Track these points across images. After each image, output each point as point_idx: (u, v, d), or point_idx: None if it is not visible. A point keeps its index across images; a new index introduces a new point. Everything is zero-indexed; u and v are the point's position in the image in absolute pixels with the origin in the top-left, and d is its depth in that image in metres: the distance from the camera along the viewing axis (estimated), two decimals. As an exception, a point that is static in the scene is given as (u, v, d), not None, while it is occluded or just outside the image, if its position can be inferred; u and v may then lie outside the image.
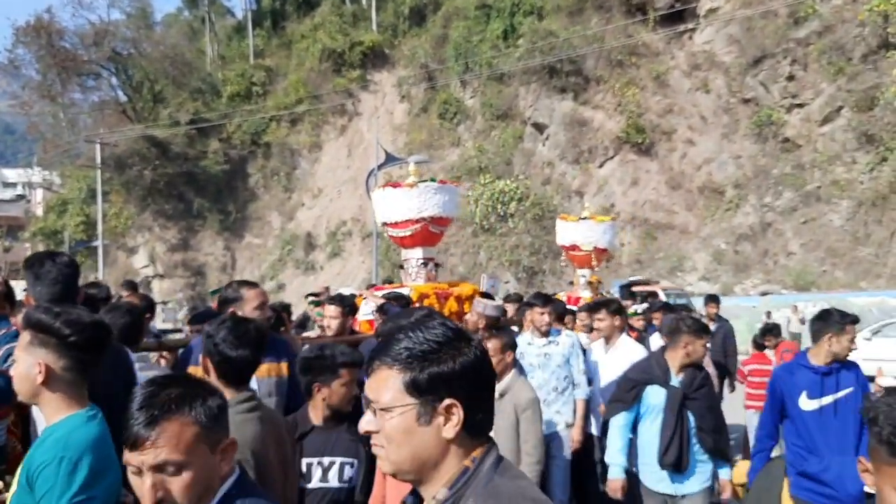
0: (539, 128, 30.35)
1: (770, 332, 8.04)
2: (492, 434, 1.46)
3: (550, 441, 5.08)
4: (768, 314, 20.43)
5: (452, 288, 5.45)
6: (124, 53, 41.50)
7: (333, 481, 2.92)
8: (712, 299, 8.94)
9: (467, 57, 33.36)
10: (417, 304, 4.97)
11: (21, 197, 61.73)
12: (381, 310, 5.06)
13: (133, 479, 1.58)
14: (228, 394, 2.47)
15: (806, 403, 3.90)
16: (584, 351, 5.71)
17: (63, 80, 40.68)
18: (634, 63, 29.69)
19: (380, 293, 5.31)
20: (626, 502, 4.31)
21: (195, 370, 3.48)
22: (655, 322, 7.42)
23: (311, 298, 8.75)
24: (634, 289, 20.67)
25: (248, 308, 3.63)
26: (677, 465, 4.06)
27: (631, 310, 8.28)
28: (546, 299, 5.49)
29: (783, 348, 7.85)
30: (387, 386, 1.34)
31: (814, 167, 25.26)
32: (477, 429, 1.36)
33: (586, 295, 7.57)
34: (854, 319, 3.99)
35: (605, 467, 4.46)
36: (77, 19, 40.43)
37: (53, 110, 42.71)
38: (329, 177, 36.96)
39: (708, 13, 29.68)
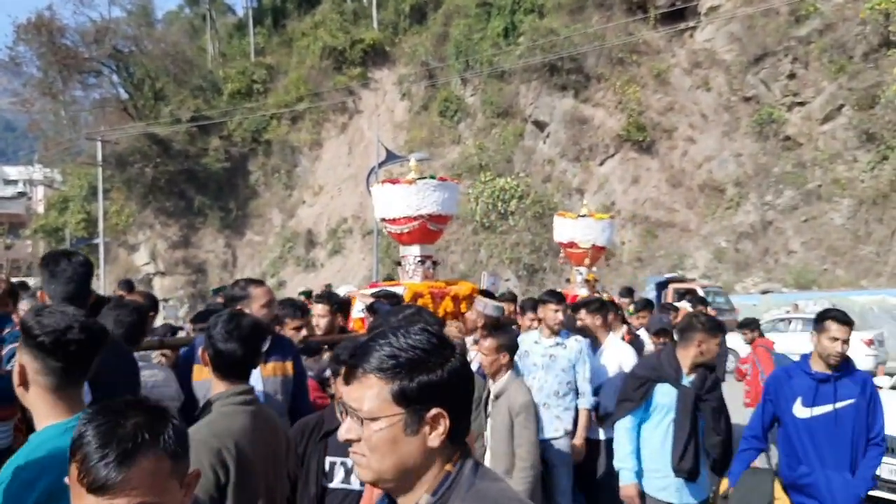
0: (540, 125, 30.34)
1: (747, 325, 7.84)
2: (487, 435, 1.46)
3: (549, 448, 4.98)
4: (795, 307, 20.34)
5: (450, 287, 5.42)
6: (125, 51, 41.50)
7: (355, 484, 2.86)
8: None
9: (468, 55, 33.34)
10: (410, 303, 4.95)
11: (22, 194, 61.81)
12: (370, 308, 4.98)
13: None
14: (223, 387, 2.52)
15: (800, 410, 3.73)
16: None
17: (64, 78, 40.66)
18: (635, 61, 29.66)
19: (370, 291, 5.30)
20: None
21: (199, 369, 3.50)
22: (640, 322, 7.39)
23: (301, 297, 8.69)
24: (671, 286, 20.41)
25: (255, 306, 3.64)
26: (693, 472, 3.85)
27: (630, 308, 8.27)
28: (560, 297, 5.31)
29: (759, 344, 7.68)
30: (372, 395, 1.30)
31: (815, 165, 25.24)
32: (459, 435, 1.35)
33: (583, 293, 7.56)
34: (845, 319, 3.73)
35: (610, 471, 4.30)
36: (78, 17, 40.58)
37: (54, 108, 42.71)
38: (330, 174, 36.97)
39: (709, 11, 29.63)
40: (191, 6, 50.13)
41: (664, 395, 3.93)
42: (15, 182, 67.77)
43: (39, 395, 2.02)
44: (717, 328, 3.96)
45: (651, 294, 20.31)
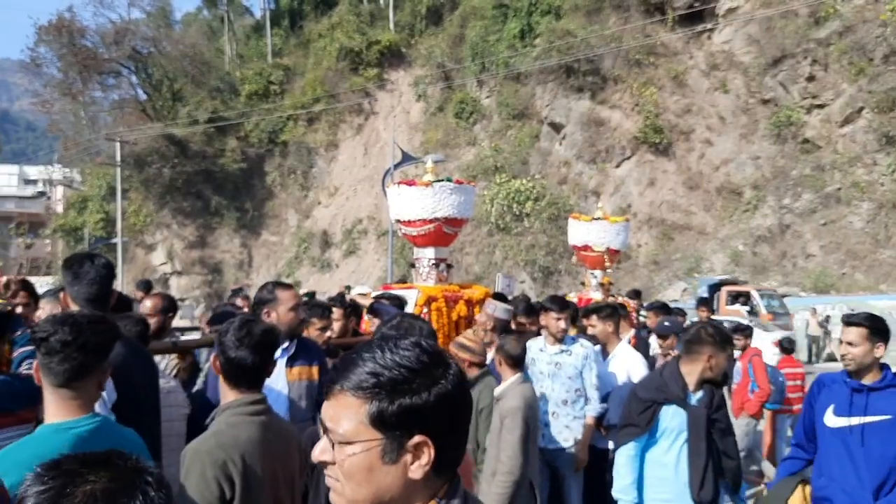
0: (556, 127, 30.27)
1: (740, 331, 7.53)
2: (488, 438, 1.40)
3: (559, 457, 4.91)
4: (813, 311, 20.11)
5: (463, 290, 5.40)
6: (144, 52, 41.84)
7: None
8: (704, 303, 8.76)
9: (484, 56, 33.32)
10: (424, 307, 4.94)
11: (42, 194, 62.43)
12: (371, 310, 4.94)
13: None
14: (233, 395, 2.44)
15: (830, 419, 3.45)
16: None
17: (84, 79, 41.07)
18: (652, 63, 29.53)
19: (374, 294, 5.29)
20: None
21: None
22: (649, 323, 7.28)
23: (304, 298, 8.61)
24: (724, 288, 19.97)
25: (282, 309, 3.63)
26: (713, 502, 3.55)
27: (644, 312, 8.21)
28: (563, 304, 5.18)
29: (752, 353, 7.41)
30: (348, 416, 1.16)
31: (834, 168, 25.02)
32: (446, 466, 1.20)
33: (597, 296, 7.52)
34: (851, 320, 3.51)
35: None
36: (98, 18, 40.91)
37: (74, 108, 43.16)
38: (345, 175, 37.08)
39: (727, 13, 29.45)
40: (209, 8, 50.46)
41: (672, 418, 3.60)
42: (35, 182, 68.51)
43: (46, 393, 2.09)
44: (727, 341, 3.68)
45: (703, 296, 20.21)
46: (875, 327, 3.42)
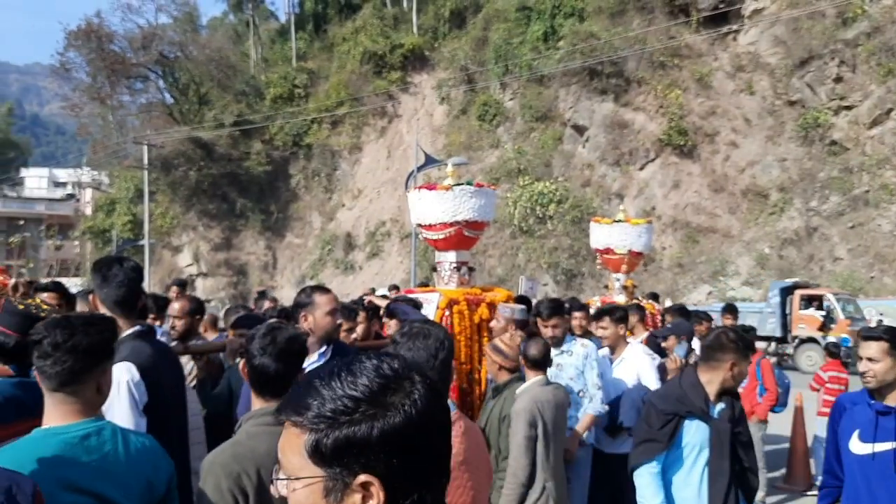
0: (579, 129, 30.19)
1: (744, 332, 7.50)
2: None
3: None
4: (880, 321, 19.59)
5: (485, 293, 5.42)
6: (171, 57, 42.39)
7: None
8: (730, 310, 8.62)
9: (507, 59, 33.32)
10: (446, 310, 4.96)
11: (71, 196, 63.48)
12: (388, 312, 4.89)
13: None
14: (260, 403, 2.40)
15: (856, 446, 3.16)
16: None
17: (112, 83, 41.73)
18: (677, 64, 29.34)
19: (414, 296, 5.32)
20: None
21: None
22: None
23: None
24: (798, 292, 19.49)
25: (318, 313, 3.59)
26: None
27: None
28: (553, 310, 5.02)
29: (758, 355, 7.20)
30: (292, 448, 1.05)
31: (862, 171, 24.68)
32: None
33: (621, 299, 7.49)
34: (870, 334, 3.24)
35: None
36: (126, 23, 41.37)
37: (102, 112, 43.85)
38: (369, 178, 37.26)
39: (753, 14, 29.19)
40: (234, 12, 51.00)
41: (694, 433, 3.34)
42: (64, 184, 69.70)
43: (45, 398, 2.06)
44: (750, 347, 3.43)
45: (774, 300, 19.69)
46: None
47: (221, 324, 6.41)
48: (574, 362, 4.94)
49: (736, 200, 27.25)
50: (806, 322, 19.27)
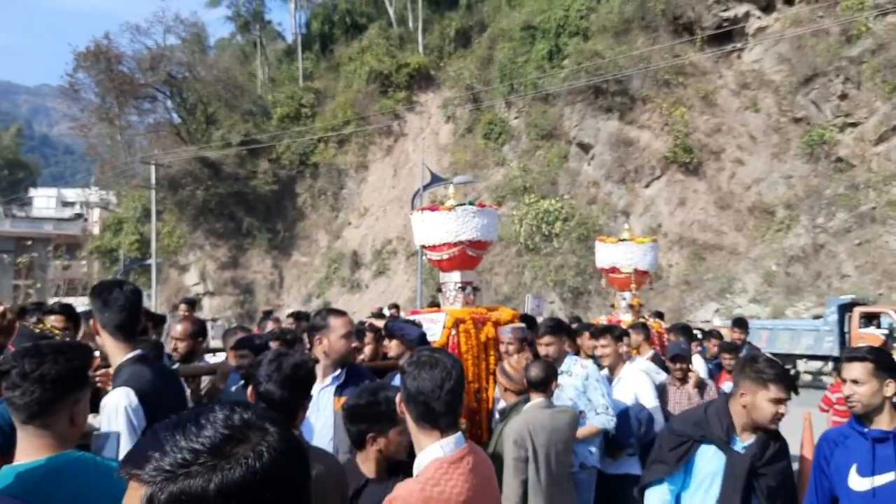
0: (584, 147, 30.26)
1: (733, 350, 7.13)
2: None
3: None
4: None
5: (491, 312, 5.42)
6: (179, 77, 42.74)
7: None
8: (739, 324, 8.58)
9: (512, 78, 33.50)
10: (452, 330, 4.97)
11: (79, 216, 63.79)
12: (388, 333, 4.87)
13: None
14: None
15: (856, 482, 2.92)
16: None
17: (120, 103, 42.08)
18: (681, 82, 29.44)
19: (414, 317, 5.33)
20: None
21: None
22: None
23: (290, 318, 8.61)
24: (857, 309, 18.97)
25: (333, 336, 3.60)
26: None
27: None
28: (547, 329, 5.00)
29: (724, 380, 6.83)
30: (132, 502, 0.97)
31: (868, 187, 24.64)
32: None
33: (627, 318, 7.47)
34: (853, 355, 3.06)
35: None
36: (135, 45, 41.71)
37: (111, 132, 44.18)
38: (375, 196, 37.38)
39: (757, 32, 29.31)
40: (242, 33, 51.46)
41: (709, 461, 3.08)
42: (72, 204, 70.08)
43: (17, 431, 1.97)
44: (781, 378, 3.03)
45: (832, 317, 19.26)
46: (882, 361, 2.97)
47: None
48: (574, 382, 4.88)
49: (742, 217, 27.22)
50: (867, 341, 18.50)
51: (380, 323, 5.62)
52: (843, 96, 26.16)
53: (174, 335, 4.70)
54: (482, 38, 37.50)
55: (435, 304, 8.29)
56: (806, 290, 24.27)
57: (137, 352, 2.94)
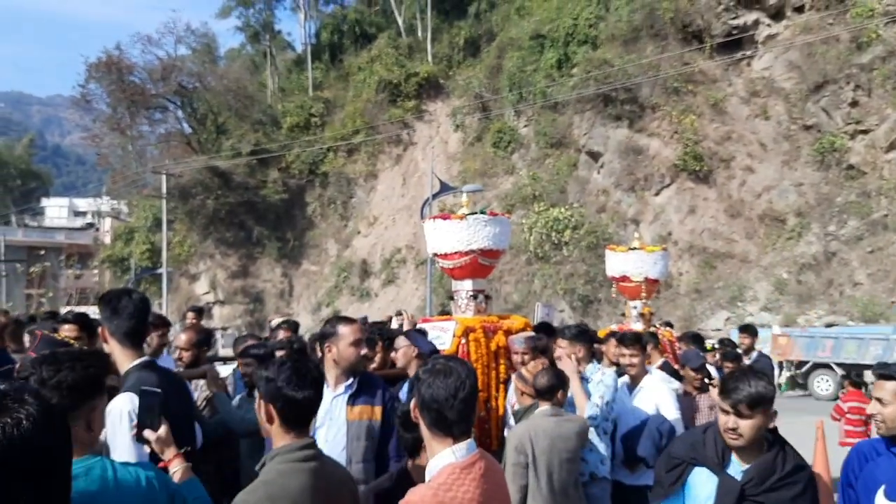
0: (594, 156, 30.24)
1: (733, 359, 7.08)
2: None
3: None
4: None
5: (502, 321, 5.43)
6: (190, 87, 43.02)
7: None
8: (746, 330, 8.52)
9: (521, 86, 33.54)
10: (462, 338, 4.97)
11: (91, 226, 64.21)
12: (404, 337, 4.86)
13: None
14: (288, 439, 2.34)
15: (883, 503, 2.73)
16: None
17: (132, 114, 42.37)
18: (691, 90, 29.40)
19: (424, 325, 5.34)
20: None
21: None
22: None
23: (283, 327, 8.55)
24: None
25: (342, 344, 3.59)
26: None
27: (707, 344, 8.07)
28: (577, 337, 4.99)
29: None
30: None
31: (880, 195, 24.52)
32: None
33: (638, 327, 7.45)
34: (885, 372, 2.85)
35: None
36: (146, 55, 42.00)
37: (122, 142, 44.47)
38: (384, 205, 37.45)
39: (766, 40, 29.26)
40: (252, 43, 51.77)
41: (703, 484, 2.87)
42: (84, 214, 70.62)
43: None
44: (727, 388, 2.84)
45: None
46: None
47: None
48: (592, 389, 4.85)
49: (753, 226, 27.11)
50: None
51: (396, 322, 5.62)
52: (854, 103, 26.07)
53: (179, 344, 4.74)
54: (491, 47, 37.59)
55: (445, 313, 8.29)
56: (818, 298, 24.13)
57: (144, 358, 3.01)
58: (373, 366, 4.94)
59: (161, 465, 2.55)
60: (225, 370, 5.67)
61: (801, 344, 19.82)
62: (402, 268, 34.76)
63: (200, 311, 8.94)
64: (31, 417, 1.02)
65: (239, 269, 39.28)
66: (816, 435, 7.92)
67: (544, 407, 4.21)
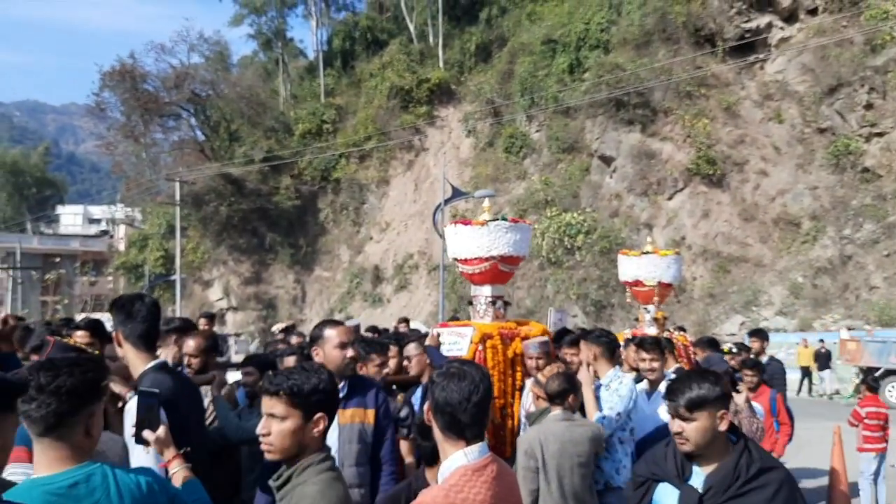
0: (606, 160, 30.17)
1: (753, 366, 6.85)
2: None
3: None
4: None
5: (521, 327, 5.42)
6: (203, 95, 43.24)
7: None
8: (757, 334, 8.44)
9: (533, 91, 33.53)
10: (479, 345, 4.97)
11: (105, 233, 64.69)
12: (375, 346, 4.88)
13: None
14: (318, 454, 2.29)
15: None
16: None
17: (145, 122, 42.63)
18: (703, 94, 29.29)
19: (444, 329, 5.34)
20: None
21: None
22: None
23: (280, 333, 8.56)
24: None
25: (328, 347, 3.59)
26: None
27: (724, 347, 8.00)
28: (574, 340, 5.06)
29: (768, 390, 6.60)
30: None
31: (895, 198, 24.34)
32: None
33: (652, 332, 7.41)
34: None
35: None
36: (159, 63, 42.25)
37: (136, 150, 44.74)
38: (396, 211, 37.49)
39: (779, 43, 29.15)
40: (264, 51, 52.03)
41: (668, 498, 2.73)
42: (98, 221, 71.13)
43: (34, 445, 2.01)
44: (671, 390, 2.76)
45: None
46: None
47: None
48: (604, 396, 4.78)
49: (767, 229, 26.95)
50: None
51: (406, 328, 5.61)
52: (869, 106, 25.90)
53: (187, 350, 4.76)
54: (502, 52, 37.61)
55: (454, 318, 8.30)
56: (834, 302, 23.96)
57: (159, 360, 3.06)
58: (386, 370, 4.95)
59: (161, 465, 2.59)
60: (237, 376, 5.69)
61: (871, 349, 19.07)
62: (415, 273, 34.77)
63: (213, 318, 8.95)
64: None
65: (252, 276, 39.42)
66: (833, 440, 7.86)
67: (556, 411, 4.21)
